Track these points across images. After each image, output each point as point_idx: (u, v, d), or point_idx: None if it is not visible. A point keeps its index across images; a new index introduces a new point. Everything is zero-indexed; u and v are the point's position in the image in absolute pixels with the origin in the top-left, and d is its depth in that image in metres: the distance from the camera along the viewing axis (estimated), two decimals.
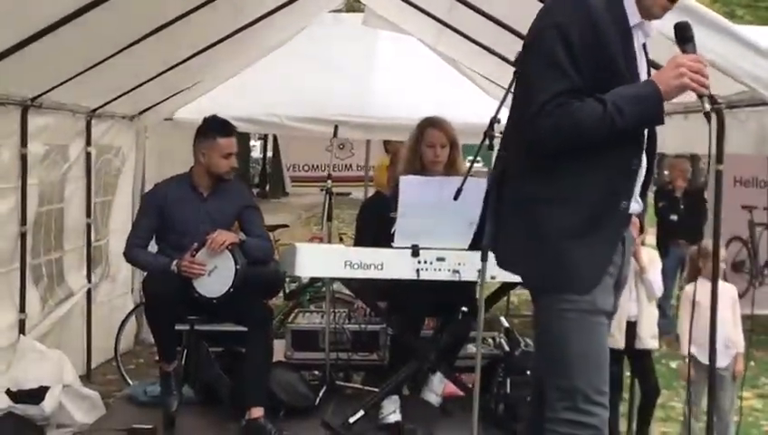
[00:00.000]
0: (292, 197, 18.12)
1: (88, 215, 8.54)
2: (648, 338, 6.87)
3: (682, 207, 11.83)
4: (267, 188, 34.83)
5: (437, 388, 6.72)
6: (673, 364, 9.33)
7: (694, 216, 11.33)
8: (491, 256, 4.12)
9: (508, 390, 6.78)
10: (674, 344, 9.94)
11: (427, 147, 6.71)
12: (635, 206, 3.78)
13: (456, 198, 5.56)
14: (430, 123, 6.82)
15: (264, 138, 33.14)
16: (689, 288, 6.81)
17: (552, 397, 3.71)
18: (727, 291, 6.80)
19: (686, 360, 6.79)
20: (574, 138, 3.56)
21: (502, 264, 3.98)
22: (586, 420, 3.64)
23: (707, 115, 3.76)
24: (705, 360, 6.31)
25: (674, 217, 11.90)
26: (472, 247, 4.17)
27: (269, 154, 34.61)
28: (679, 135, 6.35)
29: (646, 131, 3.80)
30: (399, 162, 7.06)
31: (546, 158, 3.66)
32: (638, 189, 3.79)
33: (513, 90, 4.05)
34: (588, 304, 3.66)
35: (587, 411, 3.64)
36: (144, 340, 9.54)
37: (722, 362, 6.57)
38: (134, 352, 9.24)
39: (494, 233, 3.91)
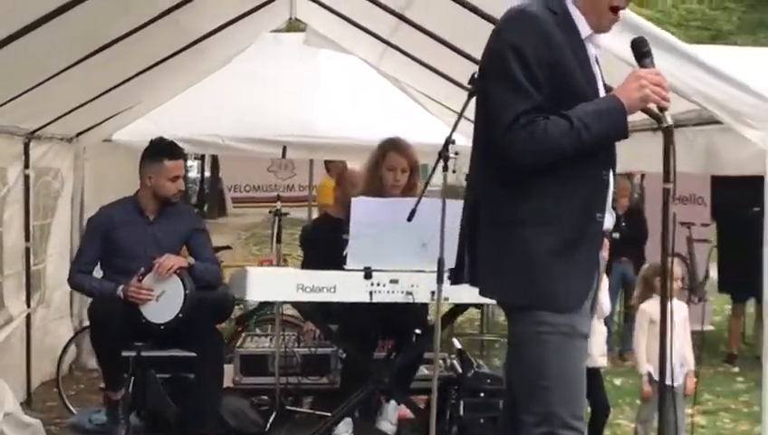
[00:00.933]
0: (231, 217, 18.17)
1: (27, 238, 8.39)
2: (598, 356, 6.89)
3: (624, 224, 11.94)
4: (205, 208, 34.81)
5: (392, 416, 6.79)
6: (617, 381, 9.35)
7: (635, 233, 11.44)
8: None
9: (461, 412, 6.83)
10: (617, 361, 10.07)
11: (388, 170, 6.75)
12: (608, 218, 3.85)
13: (409, 219, 5.65)
14: (393, 146, 6.85)
15: (202, 158, 33.14)
16: (645, 307, 6.91)
17: (527, 421, 3.71)
18: (679, 309, 6.84)
19: (644, 378, 6.91)
20: (545, 154, 3.59)
21: (482, 291, 3.96)
22: None
23: (669, 128, 3.89)
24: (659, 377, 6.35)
25: (616, 235, 12.00)
26: (455, 281, 4.10)
27: (206, 174, 34.59)
28: (624, 153, 6.41)
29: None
30: (358, 184, 7.11)
31: (518, 180, 3.68)
32: (609, 201, 3.85)
33: (466, 112, 4.09)
34: (567, 326, 3.68)
35: None
36: (84, 365, 9.42)
37: (677, 379, 6.63)
38: (74, 377, 9.09)
39: (472, 265, 3.88)
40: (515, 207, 3.70)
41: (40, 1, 5.35)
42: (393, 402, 6.79)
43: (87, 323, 9.16)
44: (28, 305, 8.42)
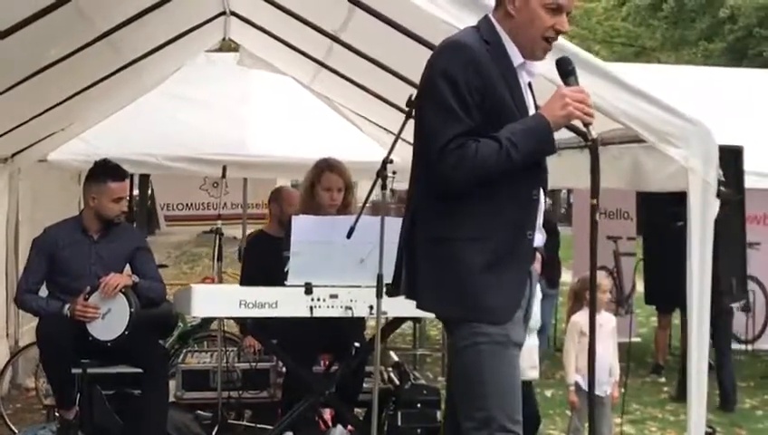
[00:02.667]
0: (160, 235, 17.99)
1: None
2: (528, 369, 7.03)
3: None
4: (134, 226, 34.10)
5: None
6: (548, 393, 9.52)
7: (551, 248, 11.62)
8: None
9: (399, 422, 6.89)
10: (547, 373, 10.26)
11: (324, 190, 6.83)
12: (539, 236, 3.99)
13: (349, 236, 5.73)
14: (328, 167, 6.92)
15: (131, 177, 32.69)
16: (576, 318, 7.06)
17: (468, 427, 3.83)
18: (608, 321, 7.06)
19: (571, 388, 7.06)
20: (476, 174, 3.73)
21: (420, 305, 4.06)
22: None
23: (594, 142, 3.99)
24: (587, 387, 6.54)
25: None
26: (392, 294, 4.24)
27: (135, 192, 34.06)
28: (553, 170, 6.60)
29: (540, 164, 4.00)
30: (294, 203, 7.21)
31: (450, 199, 3.82)
32: (540, 220, 3.99)
33: (406, 134, 4.20)
34: (502, 336, 3.82)
35: None
36: (20, 384, 9.41)
37: (605, 389, 6.86)
38: (11, 396, 9.06)
39: (410, 280, 4.00)
40: (449, 225, 3.84)
41: None
42: (340, 427, 6.84)
43: (23, 343, 9.29)
44: None
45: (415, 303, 4.06)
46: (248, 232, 11.30)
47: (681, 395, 10.36)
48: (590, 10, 33.41)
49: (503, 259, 3.83)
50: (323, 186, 6.85)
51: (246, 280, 7.27)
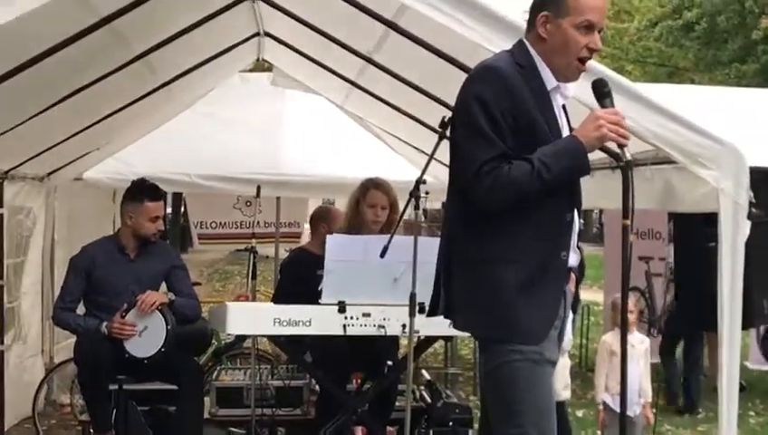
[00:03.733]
0: (193, 253, 18.02)
1: (0, 277, 8.44)
2: (561, 389, 7.01)
3: None
4: (169, 244, 34.01)
5: None
6: (579, 413, 9.50)
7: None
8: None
9: None
10: (577, 392, 10.26)
11: (369, 207, 6.90)
12: (573, 256, 4.01)
13: (382, 255, 5.76)
14: (374, 184, 7.00)
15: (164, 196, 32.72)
16: (607, 338, 7.11)
17: None
18: (641, 342, 7.09)
19: (600, 407, 7.10)
20: (510, 196, 3.77)
21: (457, 326, 4.11)
22: None
23: (628, 164, 3.99)
24: (618, 407, 6.56)
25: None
26: (430, 314, 4.25)
27: (167, 211, 34.07)
28: (585, 191, 6.63)
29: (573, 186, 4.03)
30: (337, 219, 7.28)
31: (485, 221, 3.86)
32: (574, 241, 4.01)
33: (440, 155, 4.23)
34: (537, 354, 3.84)
35: None
36: (55, 400, 9.49)
37: (635, 410, 6.87)
38: (45, 413, 9.13)
39: (447, 300, 4.04)
40: (485, 248, 3.87)
41: (16, 50, 5.42)
42: None
43: (58, 359, 9.37)
44: (2, 343, 8.44)
45: (448, 322, 4.11)
46: (281, 250, 11.39)
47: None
48: (623, 30, 33.36)
49: (538, 280, 3.86)
50: (368, 202, 6.92)
51: (281, 295, 7.30)
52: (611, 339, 6.98)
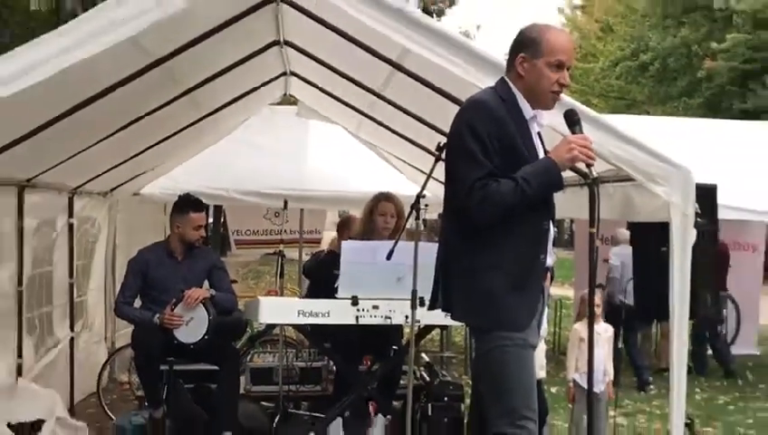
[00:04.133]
0: (231, 257, 17.96)
1: (71, 275, 8.48)
2: (538, 370, 6.98)
3: None
4: (210, 248, 34.03)
5: (379, 429, 6.78)
6: (554, 389, 9.39)
7: None
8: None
9: (429, 413, 6.88)
10: (551, 373, 10.20)
11: (380, 215, 6.86)
12: (549, 259, 4.00)
13: (388, 258, 5.76)
14: (385, 197, 6.98)
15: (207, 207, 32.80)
16: (577, 326, 7.08)
17: (493, 414, 3.83)
18: (605, 330, 7.07)
19: (570, 384, 7.10)
20: (498, 209, 3.75)
21: (455, 318, 4.09)
22: (521, 432, 3.78)
23: (595, 181, 4.03)
24: (586, 385, 6.50)
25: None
26: (430, 308, 4.24)
27: (210, 220, 33.99)
28: (558, 204, 6.59)
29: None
30: (355, 225, 7.25)
31: (476, 233, 3.84)
32: (550, 246, 4.01)
33: (436, 174, 4.20)
34: (521, 340, 3.83)
35: (522, 425, 3.79)
36: (115, 379, 9.50)
37: (600, 387, 6.85)
38: (108, 389, 9.12)
39: (446, 297, 4.02)
40: (477, 258, 3.85)
41: (85, 86, 5.46)
42: (381, 416, 6.82)
43: (118, 344, 9.38)
44: (72, 330, 8.50)
45: (444, 314, 4.08)
46: (304, 253, 11.37)
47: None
48: (589, 70, 33.46)
49: (521, 279, 3.85)
50: (379, 211, 6.89)
51: (313, 287, 7.28)
52: (580, 327, 6.96)
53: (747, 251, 13.51)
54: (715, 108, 27.48)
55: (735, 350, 13.26)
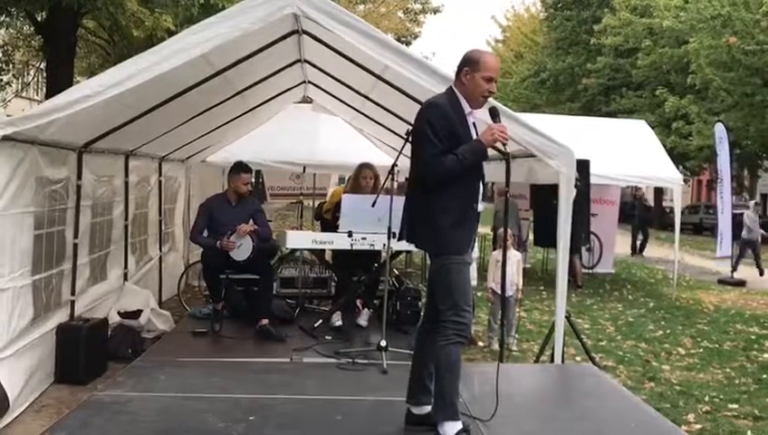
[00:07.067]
0: (266, 204, 17.85)
1: (160, 215, 8.47)
2: (471, 280, 7.01)
3: None
4: (254, 198, 33.89)
5: (364, 318, 6.82)
6: (479, 294, 9.47)
7: None
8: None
9: (398, 308, 6.96)
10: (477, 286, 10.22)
11: (362, 178, 6.74)
12: (480, 206, 3.92)
13: (372, 205, 5.75)
14: (365, 165, 6.85)
15: (252, 171, 32.71)
16: (495, 253, 7.13)
17: (442, 309, 3.78)
18: (515, 256, 7.12)
19: (489, 290, 7.16)
20: (447, 173, 3.69)
21: (417, 246, 4.01)
22: (462, 320, 3.74)
23: (507, 156, 4.09)
24: (500, 291, 6.60)
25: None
26: (399, 239, 4.12)
27: (253, 180, 34.00)
28: (486, 172, 6.56)
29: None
30: (346, 185, 7.12)
31: (430, 190, 3.78)
32: (480, 198, 3.91)
33: (405, 151, 4.11)
34: (462, 260, 3.78)
35: (462, 315, 3.74)
36: (190, 284, 9.42)
37: (510, 292, 6.90)
38: (186, 290, 9.08)
39: (410, 232, 3.94)
40: (432, 204, 3.78)
41: (168, 89, 5.40)
42: (366, 309, 6.83)
43: (192, 261, 9.33)
44: (160, 251, 8.49)
45: (408, 243, 4.01)
46: (315, 202, 11.32)
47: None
48: (506, 83, 33.29)
49: (462, 219, 3.80)
50: (362, 176, 6.76)
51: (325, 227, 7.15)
52: (497, 254, 6.98)
53: (608, 205, 13.69)
54: (589, 110, 27.48)
55: (599, 269, 13.46)
